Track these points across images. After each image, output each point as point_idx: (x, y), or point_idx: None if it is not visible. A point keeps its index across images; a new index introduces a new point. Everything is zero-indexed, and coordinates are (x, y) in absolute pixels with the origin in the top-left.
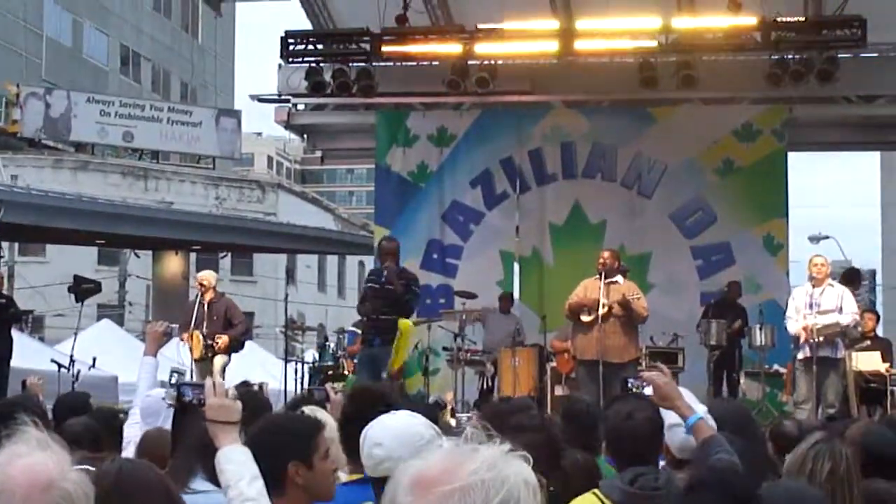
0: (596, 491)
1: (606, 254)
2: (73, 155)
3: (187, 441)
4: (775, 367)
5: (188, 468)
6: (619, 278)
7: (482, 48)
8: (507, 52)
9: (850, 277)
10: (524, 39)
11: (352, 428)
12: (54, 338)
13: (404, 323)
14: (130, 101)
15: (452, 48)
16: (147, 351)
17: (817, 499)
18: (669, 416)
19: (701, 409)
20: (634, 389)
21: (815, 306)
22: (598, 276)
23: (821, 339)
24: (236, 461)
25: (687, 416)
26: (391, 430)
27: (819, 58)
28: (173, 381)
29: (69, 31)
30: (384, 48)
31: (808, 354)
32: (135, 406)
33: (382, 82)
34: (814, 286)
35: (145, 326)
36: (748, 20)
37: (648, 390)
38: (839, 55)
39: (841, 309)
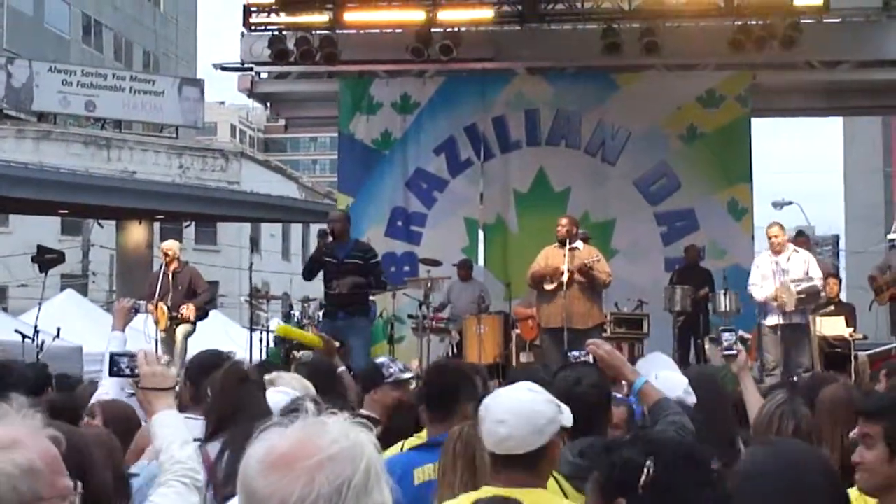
0: None
1: (565, 220)
2: (35, 125)
3: (248, 413)
4: (740, 332)
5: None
6: (579, 244)
7: (445, 14)
8: (469, 19)
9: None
10: (487, 6)
11: (433, 399)
12: (18, 308)
13: (281, 328)
14: (93, 70)
15: (415, 15)
16: (115, 326)
17: (818, 459)
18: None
19: (682, 381)
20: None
21: (782, 273)
22: (558, 243)
23: (801, 307)
24: (169, 426)
25: (632, 380)
26: (515, 407)
27: (782, 23)
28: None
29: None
30: (347, 15)
31: (780, 321)
32: (104, 378)
33: (345, 50)
34: (776, 253)
35: (110, 296)
36: None
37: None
38: (802, 21)
39: (808, 274)
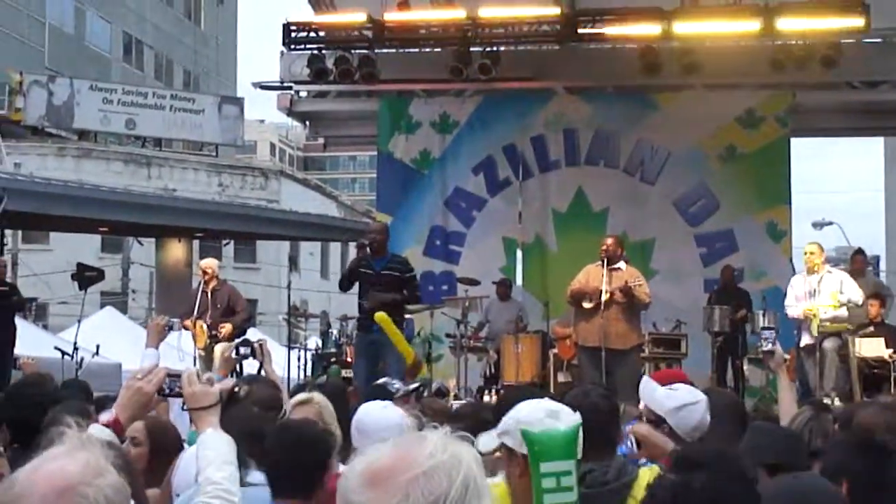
0: None
1: (610, 240)
2: (75, 143)
3: (233, 431)
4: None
5: (239, 460)
6: (621, 265)
7: (486, 33)
8: (511, 17)
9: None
10: (526, 24)
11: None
12: (58, 325)
13: (379, 316)
14: (133, 88)
15: (456, 13)
16: (148, 343)
17: (829, 495)
18: (673, 399)
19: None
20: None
21: (814, 294)
22: (600, 262)
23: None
24: (210, 446)
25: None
26: (560, 405)
27: (823, 43)
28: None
29: (72, 18)
30: (387, 15)
31: (811, 342)
32: None
33: (384, 69)
34: (810, 273)
35: (149, 314)
36: (752, 4)
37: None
38: (843, 41)
39: (842, 293)
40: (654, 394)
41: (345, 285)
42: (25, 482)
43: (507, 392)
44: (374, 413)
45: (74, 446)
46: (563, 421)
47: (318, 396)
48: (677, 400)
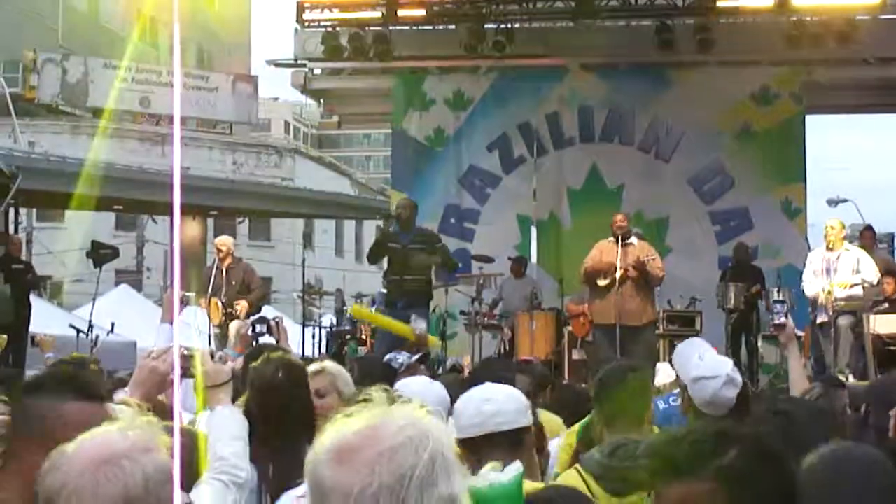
0: (578, 466)
1: (621, 216)
2: (90, 121)
3: (293, 414)
4: (797, 332)
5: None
6: (633, 240)
7: (500, 10)
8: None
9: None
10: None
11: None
12: (73, 303)
13: (355, 310)
14: (147, 66)
15: (470, 10)
16: (163, 318)
17: (869, 460)
18: (694, 369)
19: (728, 361)
20: None
21: (831, 272)
22: (613, 239)
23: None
24: (220, 423)
25: None
26: (497, 389)
27: (838, 19)
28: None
29: None
30: (401, 9)
31: (827, 319)
32: None
33: (398, 46)
34: (829, 250)
35: (163, 292)
36: None
37: None
38: (858, 17)
39: (858, 273)
40: (687, 361)
41: (373, 259)
42: (75, 450)
43: (475, 371)
44: (418, 389)
45: (129, 424)
46: (506, 471)
47: (329, 365)
48: (697, 371)
